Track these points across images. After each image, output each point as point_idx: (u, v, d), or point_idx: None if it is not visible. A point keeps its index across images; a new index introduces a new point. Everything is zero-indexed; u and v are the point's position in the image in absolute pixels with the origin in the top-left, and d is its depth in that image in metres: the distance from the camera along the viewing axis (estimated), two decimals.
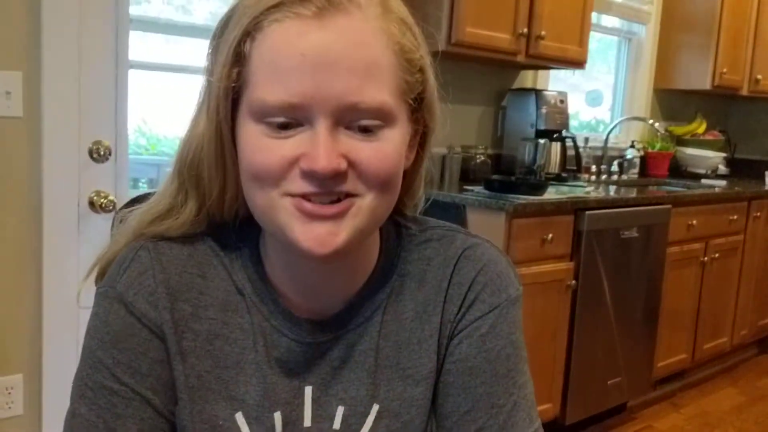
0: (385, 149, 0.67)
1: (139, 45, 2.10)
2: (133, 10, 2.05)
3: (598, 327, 2.81)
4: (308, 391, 0.73)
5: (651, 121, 3.77)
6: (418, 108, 0.72)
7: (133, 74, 2.03)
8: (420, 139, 0.76)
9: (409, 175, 0.77)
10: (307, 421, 0.73)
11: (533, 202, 2.45)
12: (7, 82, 1.81)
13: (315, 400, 0.74)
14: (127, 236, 0.76)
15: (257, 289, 0.75)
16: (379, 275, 0.77)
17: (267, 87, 0.64)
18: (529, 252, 2.48)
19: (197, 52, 2.19)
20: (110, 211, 1.96)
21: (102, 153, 1.95)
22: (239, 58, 0.66)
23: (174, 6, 2.32)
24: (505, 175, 3.05)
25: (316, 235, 0.66)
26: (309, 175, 0.64)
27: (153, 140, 2.35)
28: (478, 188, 2.67)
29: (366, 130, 0.66)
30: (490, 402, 0.74)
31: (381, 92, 0.65)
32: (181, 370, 0.72)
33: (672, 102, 4.30)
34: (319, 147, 0.63)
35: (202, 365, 0.73)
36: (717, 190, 3.60)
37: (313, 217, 0.66)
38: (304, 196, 0.66)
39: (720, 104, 4.63)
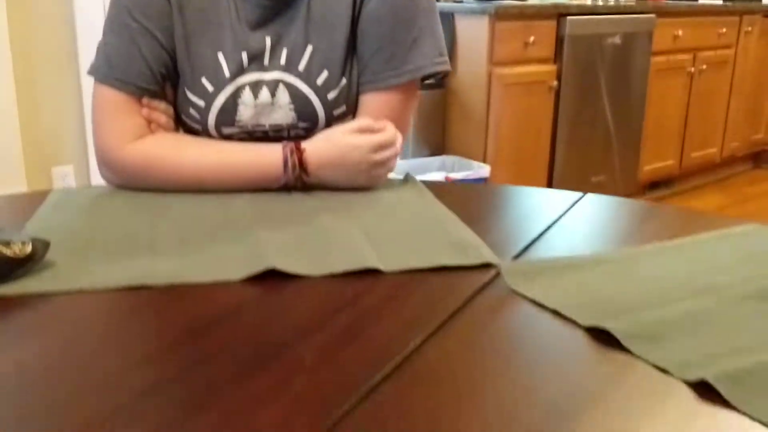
0: None
1: None
2: None
3: (581, 127, 3.08)
4: (267, 40, 1.03)
5: None
6: None
7: None
8: None
9: None
10: (266, 61, 1.03)
11: (515, 5, 2.67)
12: None
13: (272, 47, 1.02)
14: None
15: None
16: None
17: None
18: (511, 54, 2.72)
19: None
20: None
21: None
22: None
23: None
24: None
25: None
26: None
27: None
28: None
29: None
30: (394, 38, 1.00)
31: None
32: (179, 20, 1.02)
33: None
34: None
35: (196, 19, 1.02)
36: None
37: None
38: None
39: None
